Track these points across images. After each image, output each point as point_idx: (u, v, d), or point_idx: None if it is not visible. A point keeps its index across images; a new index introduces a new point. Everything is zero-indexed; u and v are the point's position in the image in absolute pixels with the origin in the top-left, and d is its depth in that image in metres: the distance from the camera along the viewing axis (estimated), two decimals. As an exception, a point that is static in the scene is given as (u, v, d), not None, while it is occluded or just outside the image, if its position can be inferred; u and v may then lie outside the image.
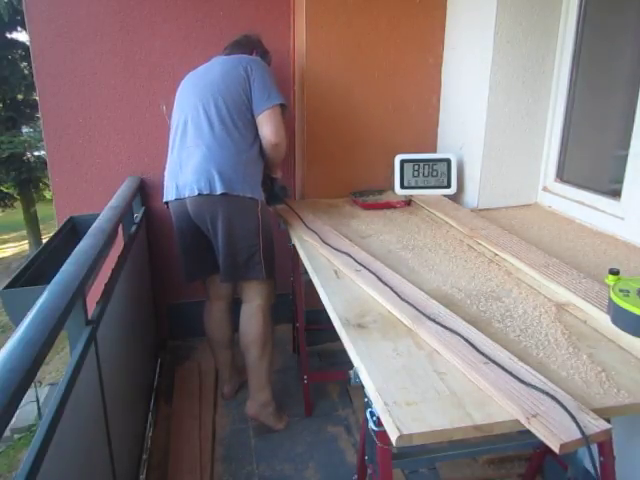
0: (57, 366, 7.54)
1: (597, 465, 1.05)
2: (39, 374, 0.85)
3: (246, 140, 1.87)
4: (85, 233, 1.45)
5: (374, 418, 0.99)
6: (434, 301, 1.27)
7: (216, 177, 1.79)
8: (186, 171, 1.85)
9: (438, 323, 1.16)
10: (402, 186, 2.33)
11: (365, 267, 1.48)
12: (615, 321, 1.15)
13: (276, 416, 2.10)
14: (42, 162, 12.18)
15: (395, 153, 2.35)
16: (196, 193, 1.81)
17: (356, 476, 1.50)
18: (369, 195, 2.33)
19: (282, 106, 1.90)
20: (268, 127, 1.86)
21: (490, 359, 1.02)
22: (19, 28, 12.37)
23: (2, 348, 0.78)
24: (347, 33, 2.29)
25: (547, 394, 0.90)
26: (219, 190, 1.79)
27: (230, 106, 1.86)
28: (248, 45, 2.07)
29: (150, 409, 2.21)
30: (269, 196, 2.10)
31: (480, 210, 2.18)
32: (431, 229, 1.91)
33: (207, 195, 1.80)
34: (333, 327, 1.25)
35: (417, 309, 1.23)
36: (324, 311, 1.35)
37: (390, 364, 1.03)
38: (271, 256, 2.00)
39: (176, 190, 1.88)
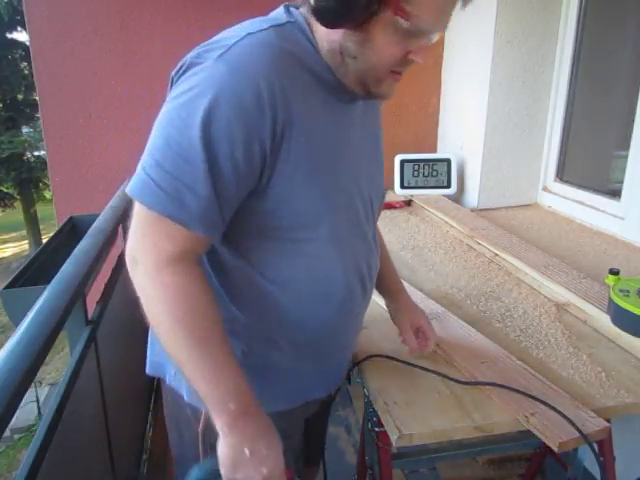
0: (57, 366, 7.55)
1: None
2: (39, 374, 0.85)
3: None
4: (85, 233, 1.45)
5: (374, 418, 0.99)
6: (432, 301, 1.27)
7: None
8: None
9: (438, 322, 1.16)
10: (402, 186, 2.33)
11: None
12: (615, 321, 1.15)
13: None
14: (42, 162, 12.21)
15: (395, 153, 2.35)
16: None
17: (356, 476, 1.50)
18: (369, 195, 2.33)
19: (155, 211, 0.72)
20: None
21: (489, 359, 1.02)
22: (19, 28, 12.39)
23: (2, 348, 0.78)
24: (347, 33, 2.28)
25: (541, 401, 0.90)
26: None
27: None
28: None
29: (150, 409, 2.21)
30: None
31: (480, 210, 2.18)
32: (431, 229, 1.91)
33: None
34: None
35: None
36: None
37: (390, 364, 1.03)
38: None
39: None
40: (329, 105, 0.78)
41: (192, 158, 0.67)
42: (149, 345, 0.97)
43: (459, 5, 0.70)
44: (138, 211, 0.74)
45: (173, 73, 0.75)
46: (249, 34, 0.71)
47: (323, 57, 0.75)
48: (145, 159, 0.73)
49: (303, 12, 0.76)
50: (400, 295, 1.09)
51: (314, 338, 0.86)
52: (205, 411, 0.81)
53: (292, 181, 0.74)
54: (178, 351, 0.72)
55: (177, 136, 0.68)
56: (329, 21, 0.69)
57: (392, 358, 1.04)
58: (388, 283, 1.08)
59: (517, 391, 0.91)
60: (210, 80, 0.67)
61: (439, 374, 0.99)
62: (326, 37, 0.73)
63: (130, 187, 0.74)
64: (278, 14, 0.77)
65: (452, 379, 0.97)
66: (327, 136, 0.78)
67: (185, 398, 0.88)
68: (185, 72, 0.72)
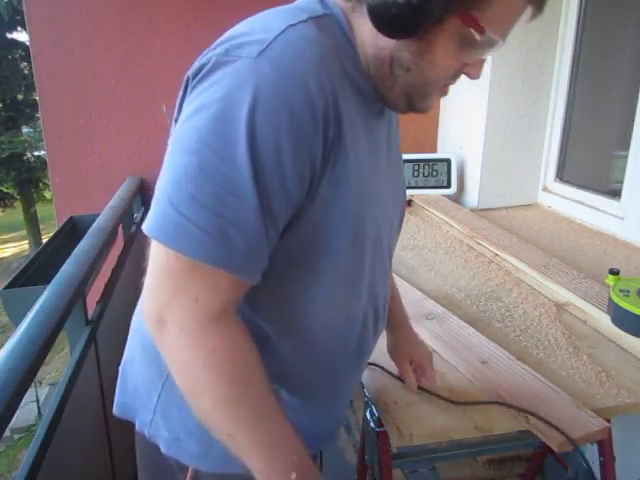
0: (57, 366, 7.55)
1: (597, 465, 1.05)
2: (39, 374, 0.85)
3: None
4: (85, 233, 1.45)
5: (374, 418, 0.99)
6: (432, 301, 1.27)
7: None
8: None
9: (437, 323, 1.16)
10: (402, 186, 2.33)
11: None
12: (615, 321, 1.15)
13: None
14: (42, 162, 12.23)
15: (395, 153, 2.34)
16: None
17: (356, 476, 1.50)
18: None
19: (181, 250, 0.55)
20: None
21: (489, 359, 1.02)
22: (19, 28, 12.40)
23: (2, 348, 0.78)
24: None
25: (533, 414, 0.90)
26: None
27: None
28: None
29: (150, 409, 2.20)
30: None
31: (480, 210, 2.18)
32: (431, 229, 1.91)
33: None
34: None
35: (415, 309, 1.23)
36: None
37: (390, 364, 1.03)
38: None
39: None
40: (362, 116, 0.64)
41: (239, 188, 0.53)
42: (119, 384, 0.83)
43: (527, 15, 0.58)
44: (162, 258, 0.55)
45: (190, 74, 0.59)
46: (291, 26, 0.56)
47: (362, 61, 0.62)
48: (171, 191, 0.54)
49: (340, 3, 0.62)
50: (403, 328, 0.95)
51: (316, 388, 0.74)
52: (192, 467, 0.72)
53: (329, 206, 0.60)
54: (224, 424, 0.59)
55: (216, 161, 0.52)
56: (395, 30, 0.55)
57: (388, 372, 1.00)
58: (390, 316, 0.89)
59: (509, 406, 0.91)
60: (251, 84, 0.52)
61: (432, 393, 0.94)
62: (373, 41, 0.59)
63: (153, 228, 0.55)
64: (310, 3, 0.62)
65: (444, 399, 0.93)
66: (364, 153, 0.63)
67: (162, 450, 0.74)
68: (209, 73, 0.56)
